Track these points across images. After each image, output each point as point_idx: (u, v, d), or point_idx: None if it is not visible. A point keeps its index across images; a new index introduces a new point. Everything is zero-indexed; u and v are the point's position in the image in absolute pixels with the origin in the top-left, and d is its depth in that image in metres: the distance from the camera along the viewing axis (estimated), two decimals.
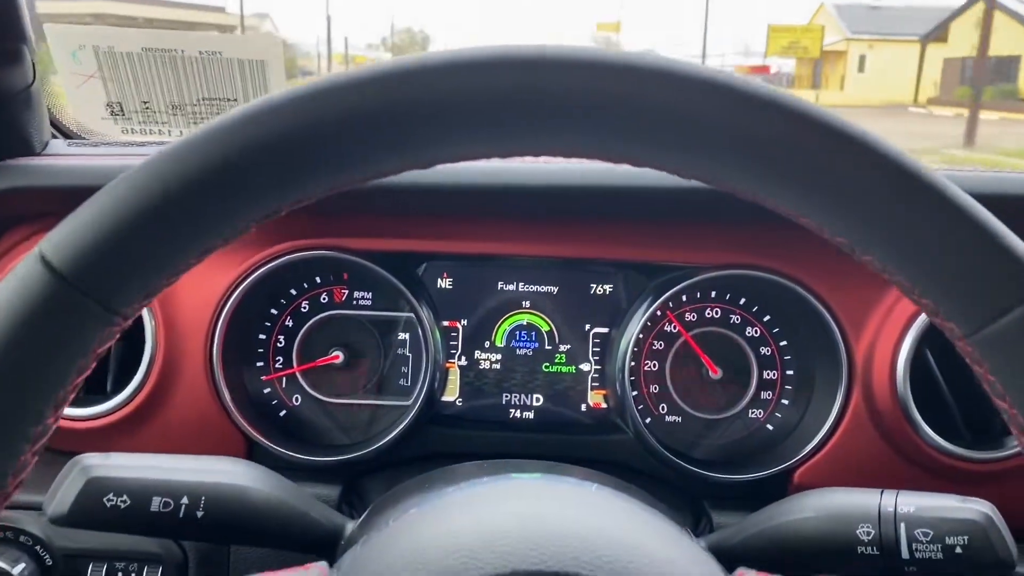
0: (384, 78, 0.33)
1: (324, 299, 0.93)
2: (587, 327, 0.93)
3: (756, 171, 0.34)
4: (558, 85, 0.33)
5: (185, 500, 0.59)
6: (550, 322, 0.94)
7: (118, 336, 0.35)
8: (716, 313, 0.92)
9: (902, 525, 0.58)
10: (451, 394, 0.93)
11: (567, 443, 0.93)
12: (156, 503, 0.58)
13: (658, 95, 0.33)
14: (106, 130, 1.00)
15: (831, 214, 0.34)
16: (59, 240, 0.33)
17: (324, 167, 0.34)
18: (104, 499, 0.58)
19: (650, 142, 0.34)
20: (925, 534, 0.57)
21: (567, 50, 0.33)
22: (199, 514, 0.59)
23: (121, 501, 0.58)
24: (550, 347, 0.94)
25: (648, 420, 0.91)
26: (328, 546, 0.63)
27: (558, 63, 0.33)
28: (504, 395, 0.94)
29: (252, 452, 0.88)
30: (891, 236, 0.34)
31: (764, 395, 0.91)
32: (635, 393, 0.90)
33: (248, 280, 0.86)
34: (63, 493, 0.58)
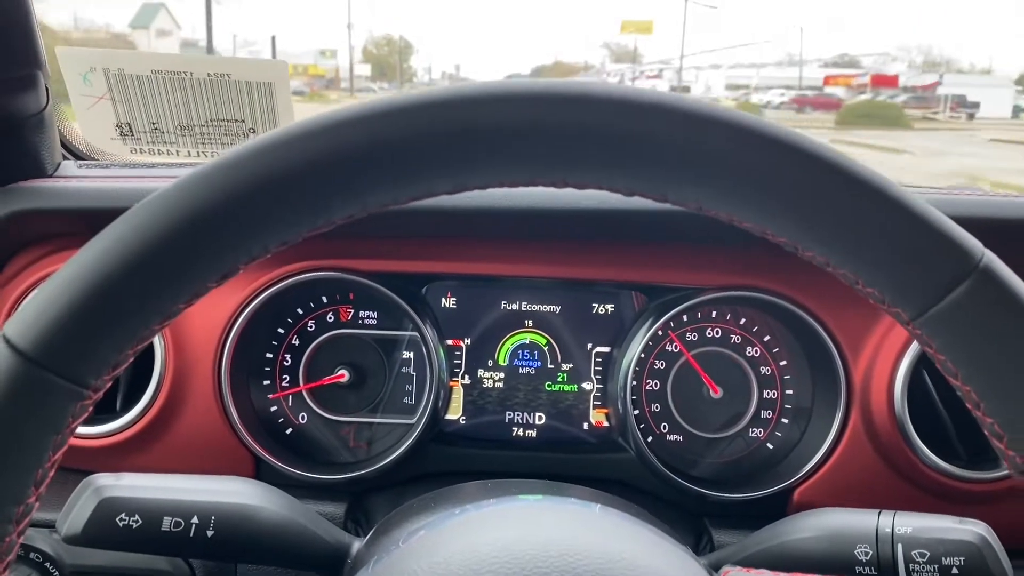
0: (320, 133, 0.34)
1: (330, 318, 0.94)
2: (589, 346, 0.94)
3: (693, 181, 0.35)
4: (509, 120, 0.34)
5: (195, 519, 0.60)
6: (552, 341, 0.95)
7: (92, 409, 0.35)
8: (717, 333, 0.93)
9: (899, 546, 0.59)
10: (455, 412, 0.95)
11: (569, 462, 0.94)
12: (167, 523, 0.59)
13: (592, 117, 0.34)
14: (115, 150, 1.01)
15: (769, 216, 0.36)
16: (22, 321, 0.33)
17: (276, 225, 0.35)
18: (117, 519, 0.59)
19: (583, 160, 0.35)
20: (922, 555, 0.58)
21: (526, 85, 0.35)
22: (209, 533, 0.60)
23: (133, 521, 0.59)
24: (552, 366, 0.95)
25: (650, 439, 0.92)
26: (334, 565, 0.64)
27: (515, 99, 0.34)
28: (507, 413, 0.95)
29: (259, 470, 0.90)
30: (828, 231, 0.35)
31: (764, 414, 0.92)
32: (636, 412, 0.92)
33: (256, 301, 0.88)
34: (76, 513, 0.59)
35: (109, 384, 0.35)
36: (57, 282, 0.33)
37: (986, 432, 0.36)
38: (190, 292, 0.35)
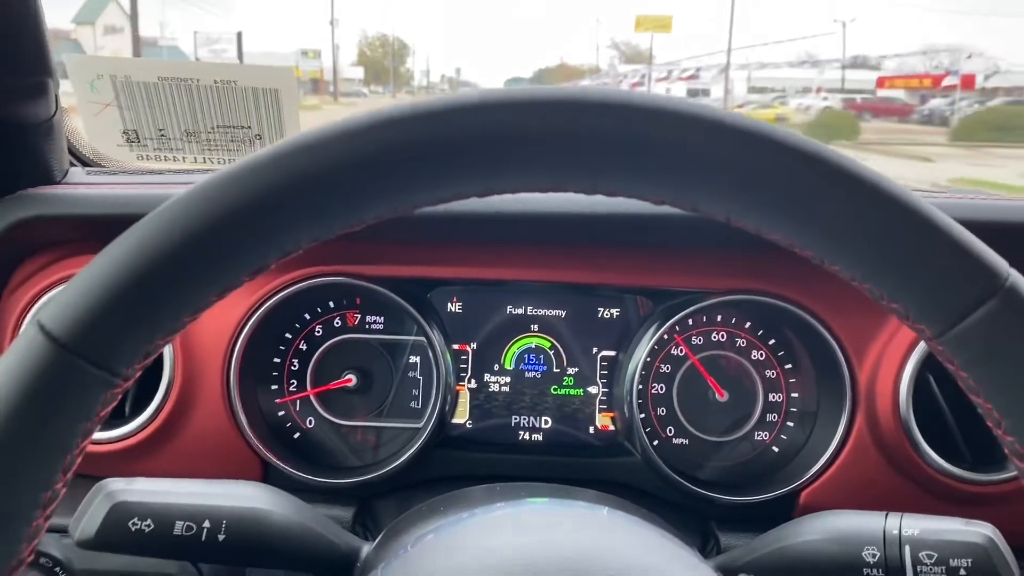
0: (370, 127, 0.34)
1: (337, 323, 0.95)
2: (595, 350, 0.95)
3: (723, 193, 0.36)
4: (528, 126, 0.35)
5: (207, 524, 0.60)
6: (558, 345, 0.95)
7: (120, 396, 0.36)
8: (722, 337, 0.93)
9: (907, 548, 0.59)
10: (461, 416, 0.95)
11: (575, 465, 0.94)
12: (179, 527, 0.60)
13: (619, 125, 0.35)
14: (122, 157, 1.02)
15: (797, 229, 0.36)
16: (56, 308, 0.34)
17: (310, 222, 0.35)
18: (129, 523, 0.59)
19: (616, 168, 0.36)
20: (929, 556, 0.59)
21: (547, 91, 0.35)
22: (220, 537, 0.60)
23: (145, 525, 0.59)
24: (558, 370, 0.95)
25: (656, 442, 0.92)
26: (344, 568, 0.64)
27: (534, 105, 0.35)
28: (513, 417, 0.95)
29: (267, 474, 0.90)
30: (856, 245, 0.35)
31: (770, 417, 0.93)
32: (643, 416, 0.92)
33: (264, 306, 0.88)
34: (89, 517, 0.60)
35: (139, 373, 0.36)
36: (93, 271, 0.34)
37: (1006, 450, 0.36)
38: (223, 285, 0.36)
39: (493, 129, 0.34)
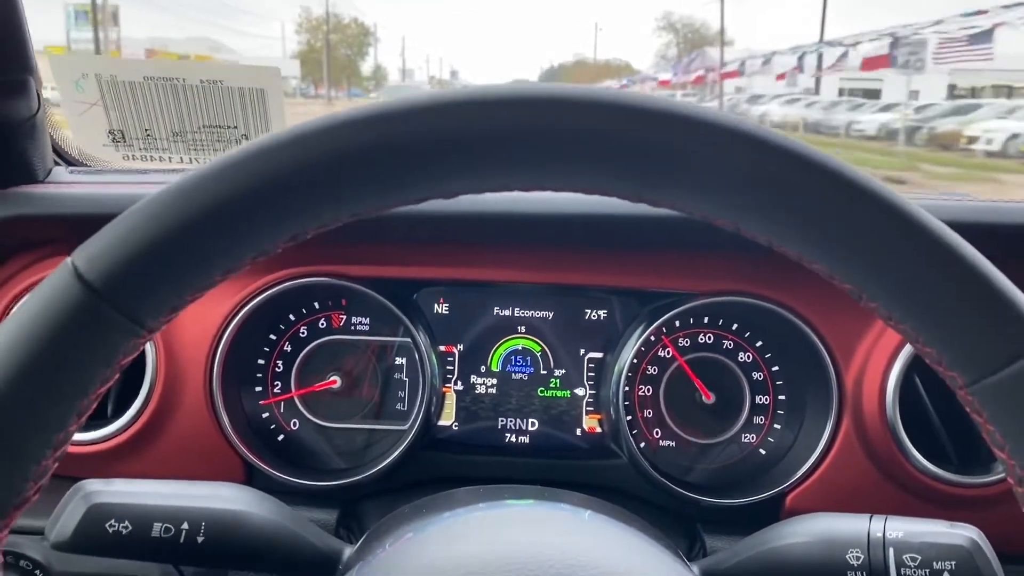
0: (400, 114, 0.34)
1: (322, 324, 0.94)
2: (582, 352, 0.94)
3: (770, 219, 0.35)
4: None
5: (185, 525, 0.60)
6: (545, 347, 0.95)
7: (141, 349, 0.36)
8: (709, 338, 0.93)
9: (891, 550, 0.59)
10: (447, 418, 0.94)
11: (562, 468, 0.94)
12: (157, 528, 0.59)
13: (663, 137, 0.34)
14: (107, 156, 1.01)
15: (841, 263, 0.35)
16: (92, 253, 0.34)
17: (354, 196, 0.35)
18: (106, 525, 0.59)
19: (667, 182, 0.35)
20: (913, 559, 0.58)
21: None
22: (199, 539, 0.60)
23: (123, 527, 0.59)
24: (545, 372, 0.95)
25: (642, 445, 0.92)
26: (326, 571, 0.63)
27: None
28: (500, 419, 0.95)
29: (250, 476, 0.89)
30: (898, 286, 0.35)
31: (757, 420, 0.93)
32: (629, 418, 0.91)
33: (248, 307, 0.88)
34: (65, 519, 0.59)
35: (164, 327, 0.36)
36: (133, 218, 0.34)
37: None
38: (258, 248, 0.36)
39: (525, 126, 0.34)
